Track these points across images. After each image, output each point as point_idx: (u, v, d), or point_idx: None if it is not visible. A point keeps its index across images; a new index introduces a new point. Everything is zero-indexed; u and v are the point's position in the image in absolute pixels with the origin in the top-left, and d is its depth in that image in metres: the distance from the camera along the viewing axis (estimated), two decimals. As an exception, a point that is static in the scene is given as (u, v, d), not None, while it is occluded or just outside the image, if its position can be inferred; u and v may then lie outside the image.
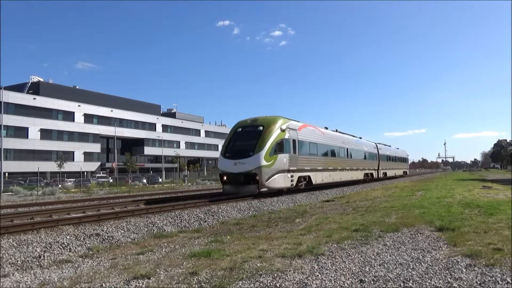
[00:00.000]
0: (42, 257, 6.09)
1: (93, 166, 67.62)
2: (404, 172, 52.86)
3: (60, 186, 34.66)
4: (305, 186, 19.52)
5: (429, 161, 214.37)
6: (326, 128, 24.87)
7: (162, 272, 4.87)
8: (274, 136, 16.27)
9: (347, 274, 4.62)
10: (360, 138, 33.13)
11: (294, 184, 17.88)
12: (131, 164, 59.82)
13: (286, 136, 17.07)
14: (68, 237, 7.39)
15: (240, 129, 17.67)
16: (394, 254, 5.58)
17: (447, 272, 4.63)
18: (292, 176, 17.53)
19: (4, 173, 39.05)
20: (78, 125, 66.03)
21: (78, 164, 53.98)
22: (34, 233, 7.83)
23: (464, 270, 4.67)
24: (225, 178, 16.66)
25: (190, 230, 8.83)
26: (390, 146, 47.20)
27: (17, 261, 5.80)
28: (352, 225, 8.22)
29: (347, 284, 4.28)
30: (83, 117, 67.01)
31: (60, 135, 63.22)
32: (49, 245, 6.72)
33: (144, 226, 8.97)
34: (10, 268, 5.53)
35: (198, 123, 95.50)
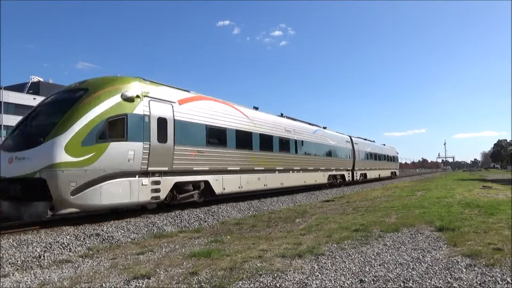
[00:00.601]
0: (42, 257, 6.08)
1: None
2: (392, 173, 44.94)
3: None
4: (201, 198, 12.59)
5: (429, 161, 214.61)
6: (256, 108, 17.20)
7: (162, 272, 4.87)
8: (100, 108, 9.01)
9: (347, 274, 4.62)
10: (325, 128, 25.53)
11: (164, 197, 10.63)
12: None
13: (139, 111, 9.80)
14: (68, 237, 7.38)
15: (49, 99, 10.29)
16: (394, 254, 5.58)
17: (447, 272, 4.63)
18: (156, 183, 10.30)
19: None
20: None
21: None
22: (34, 233, 7.82)
23: (464, 270, 4.67)
24: None
25: (190, 230, 8.83)
26: (373, 141, 38.86)
27: (17, 261, 5.80)
28: (352, 225, 8.22)
29: (347, 284, 4.28)
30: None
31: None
32: (49, 245, 6.71)
33: (144, 226, 8.96)
34: (10, 268, 5.53)
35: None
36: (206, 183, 12.48)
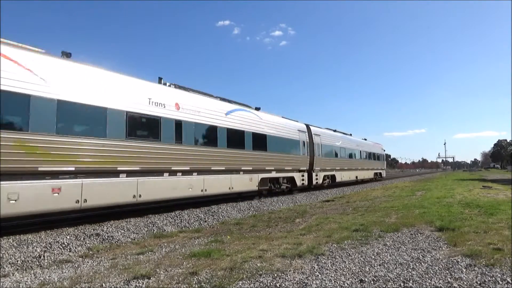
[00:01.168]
0: (42, 257, 6.09)
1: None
2: (376, 174, 36.69)
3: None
4: None
5: (429, 161, 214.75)
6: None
7: (162, 272, 4.87)
8: None
9: (347, 274, 4.62)
10: (257, 109, 17.41)
11: None
12: None
13: None
14: (68, 237, 7.39)
15: None
16: (394, 254, 5.58)
17: (447, 272, 4.63)
18: None
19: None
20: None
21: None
22: (34, 233, 7.82)
23: (464, 270, 4.68)
24: None
25: (190, 230, 8.83)
26: (350, 135, 30.72)
27: (17, 261, 5.80)
28: (352, 225, 8.22)
29: (347, 284, 4.28)
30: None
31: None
32: (49, 245, 6.72)
33: (144, 226, 8.97)
34: (10, 268, 5.53)
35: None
36: None
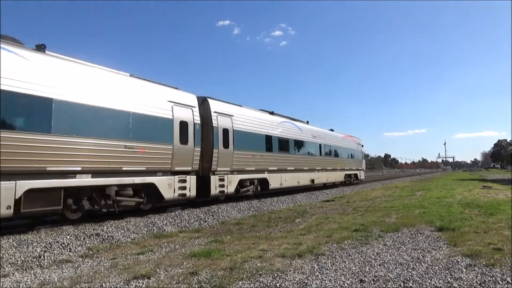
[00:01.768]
0: (42, 257, 6.08)
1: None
2: (349, 176, 28.33)
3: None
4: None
5: (429, 161, 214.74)
6: None
7: (162, 272, 4.87)
8: None
9: (347, 274, 4.62)
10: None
11: None
12: None
13: None
14: (68, 237, 7.38)
15: None
16: (394, 254, 5.58)
17: (447, 272, 4.63)
18: None
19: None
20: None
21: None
22: (34, 233, 7.82)
23: (464, 270, 4.68)
24: None
25: (190, 230, 8.83)
26: (307, 122, 22.69)
27: (17, 261, 5.80)
28: (352, 225, 8.22)
29: (347, 284, 4.28)
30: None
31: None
32: (49, 245, 6.71)
33: (144, 226, 8.97)
34: (10, 268, 5.53)
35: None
36: None
